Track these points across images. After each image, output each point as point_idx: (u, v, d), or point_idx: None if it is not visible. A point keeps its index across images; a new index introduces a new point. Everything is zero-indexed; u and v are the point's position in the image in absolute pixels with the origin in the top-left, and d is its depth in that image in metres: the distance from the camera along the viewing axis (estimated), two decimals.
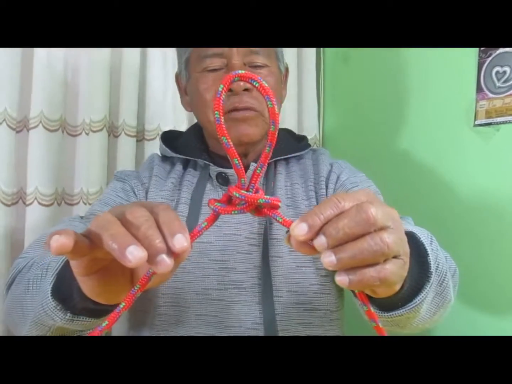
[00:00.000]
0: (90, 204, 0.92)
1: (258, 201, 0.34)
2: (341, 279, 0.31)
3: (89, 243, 0.32)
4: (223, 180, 0.69)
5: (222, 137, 0.32)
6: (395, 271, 0.32)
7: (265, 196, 0.34)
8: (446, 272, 0.49)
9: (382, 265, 0.31)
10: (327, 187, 0.70)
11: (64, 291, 0.44)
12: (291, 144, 0.75)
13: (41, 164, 0.89)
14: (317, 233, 0.31)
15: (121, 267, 0.36)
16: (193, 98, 0.71)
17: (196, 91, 0.68)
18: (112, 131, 0.99)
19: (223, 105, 0.68)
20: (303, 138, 0.79)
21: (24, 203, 0.90)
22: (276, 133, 0.33)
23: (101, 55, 0.93)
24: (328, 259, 0.31)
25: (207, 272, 0.64)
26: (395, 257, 0.32)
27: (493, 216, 0.82)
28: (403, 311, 0.45)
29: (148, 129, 1.01)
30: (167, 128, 0.97)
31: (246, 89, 0.65)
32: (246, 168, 0.68)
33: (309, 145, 0.77)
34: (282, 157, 0.72)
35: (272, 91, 0.32)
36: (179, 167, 0.73)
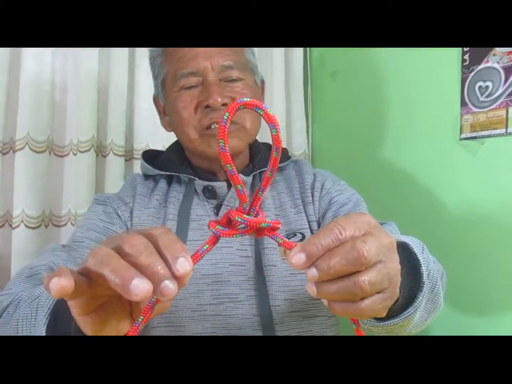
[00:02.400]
0: None
1: (261, 225, 0.34)
2: (325, 303, 0.34)
3: (87, 281, 0.31)
4: (210, 194, 0.69)
5: (227, 165, 0.33)
6: (373, 306, 0.33)
7: (267, 220, 0.35)
8: (437, 279, 0.50)
9: (360, 301, 0.33)
10: (313, 195, 0.71)
11: (60, 331, 0.42)
12: None
13: (27, 186, 0.88)
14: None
15: (120, 301, 0.35)
16: (172, 117, 0.71)
17: (175, 110, 0.68)
18: (100, 151, 0.98)
19: (201, 121, 0.67)
20: (283, 150, 0.80)
21: (11, 226, 0.88)
22: (279, 158, 0.34)
23: (88, 74, 0.93)
24: (311, 288, 0.33)
25: (201, 288, 0.63)
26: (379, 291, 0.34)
27: (480, 227, 0.82)
28: (397, 320, 0.45)
29: (136, 148, 1.01)
30: (155, 147, 0.97)
31: (224, 104, 0.65)
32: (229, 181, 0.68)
33: (290, 157, 0.79)
34: (266, 169, 0.72)
35: (276, 118, 0.33)
36: (162, 184, 0.73)
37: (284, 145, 1.10)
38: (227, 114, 0.32)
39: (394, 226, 0.65)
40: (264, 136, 1.04)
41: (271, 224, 0.35)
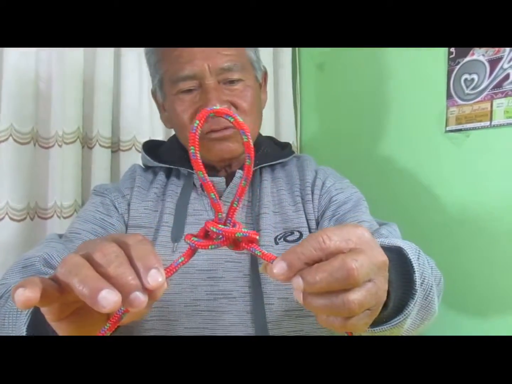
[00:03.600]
0: (64, 217, 0.90)
1: (236, 235, 0.34)
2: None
3: (58, 288, 0.31)
4: None
5: (199, 172, 0.32)
6: (357, 323, 0.33)
7: (243, 230, 0.34)
8: (431, 286, 0.49)
9: (345, 318, 0.33)
10: (312, 193, 0.70)
11: (41, 331, 0.41)
12: (275, 151, 0.75)
13: (11, 178, 0.87)
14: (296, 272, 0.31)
15: None
16: (171, 117, 0.71)
17: (174, 112, 0.68)
18: (86, 143, 0.97)
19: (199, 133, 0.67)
20: (287, 145, 0.79)
21: None
22: (252, 166, 0.33)
23: (73, 64, 0.92)
24: (298, 296, 0.32)
25: (195, 283, 0.63)
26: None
27: (465, 218, 0.84)
28: (387, 327, 0.44)
29: (123, 140, 1.00)
30: (142, 139, 0.96)
31: None
32: (232, 176, 0.68)
33: (293, 152, 0.78)
34: (267, 164, 0.72)
35: (247, 125, 0.32)
36: (161, 177, 0.72)
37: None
38: (197, 122, 0.31)
39: (395, 228, 0.64)
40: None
41: (247, 234, 0.33)
